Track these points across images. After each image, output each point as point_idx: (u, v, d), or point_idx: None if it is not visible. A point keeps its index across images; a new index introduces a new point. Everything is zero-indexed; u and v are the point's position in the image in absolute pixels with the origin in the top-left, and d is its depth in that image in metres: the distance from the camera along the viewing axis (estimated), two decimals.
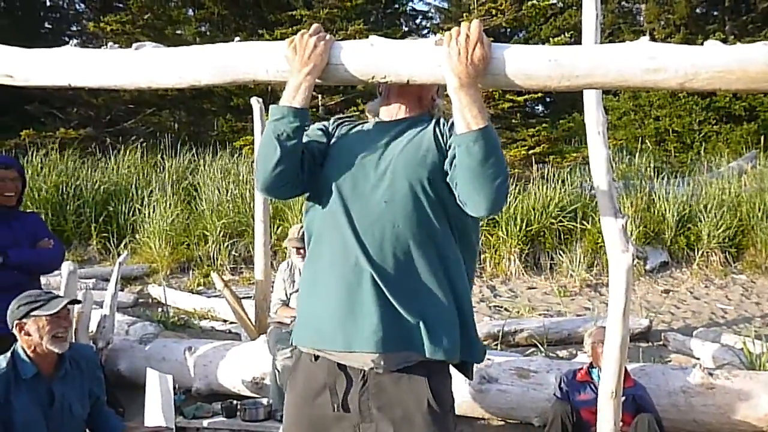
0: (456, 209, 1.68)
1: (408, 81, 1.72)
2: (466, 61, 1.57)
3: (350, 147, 1.78)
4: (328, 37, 1.75)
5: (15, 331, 2.64)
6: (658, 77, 1.53)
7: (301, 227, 4.04)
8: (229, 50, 1.87)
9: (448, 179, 1.67)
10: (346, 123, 1.89)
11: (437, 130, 1.75)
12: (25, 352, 2.64)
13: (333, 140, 1.84)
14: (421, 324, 1.63)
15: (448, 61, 1.60)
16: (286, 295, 4.54)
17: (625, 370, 3.11)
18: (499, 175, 1.58)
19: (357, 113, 11.62)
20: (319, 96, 11.92)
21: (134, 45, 2.01)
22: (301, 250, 4.31)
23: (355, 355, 1.65)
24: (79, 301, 3.31)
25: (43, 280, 3.69)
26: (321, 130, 1.87)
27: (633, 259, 2.81)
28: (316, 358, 1.73)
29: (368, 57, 1.73)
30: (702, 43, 1.55)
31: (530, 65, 1.61)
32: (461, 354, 1.70)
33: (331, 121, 1.92)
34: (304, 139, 1.76)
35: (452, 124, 1.67)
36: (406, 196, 1.66)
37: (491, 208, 1.60)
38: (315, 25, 1.78)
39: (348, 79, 1.77)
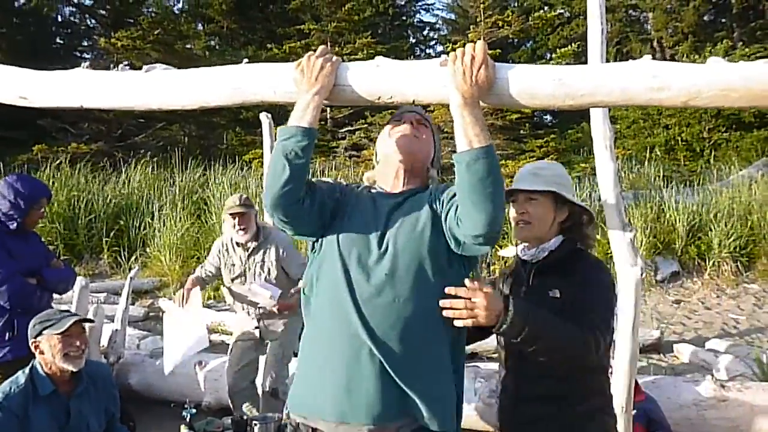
0: (457, 279, 1.68)
1: (414, 101, 1.74)
2: (470, 81, 1.61)
3: (355, 218, 1.78)
4: (334, 58, 1.77)
5: (33, 350, 2.68)
6: (662, 96, 1.54)
7: (241, 196, 3.95)
8: (237, 73, 1.89)
9: (446, 225, 1.69)
10: (354, 189, 1.90)
11: (431, 199, 1.76)
12: (43, 369, 2.67)
13: (342, 204, 1.83)
14: (422, 397, 1.64)
15: (453, 80, 1.63)
16: (206, 273, 4.16)
17: (636, 383, 3.09)
18: (498, 195, 1.60)
19: (364, 126, 11.70)
20: (328, 109, 11.98)
21: (144, 67, 2.04)
22: (237, 218, 3.85)
23: (350, 426, 1.66)
24: (91, 320, 3.33)
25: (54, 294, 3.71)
26: (333, 186, 1.88)
27: (642, 273, 2.81)
28: (314, 430, 1.73)
29: (374, 78, 1.75)
30: (710, 52, 1.55)
31: (535, 85, 1.63)
32: (457, 426, 1.73)
33: (343, 184, 1.93)
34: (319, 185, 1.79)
35: (444, 187, 1.73)
36: (408, 270, 1.67)
37: (490, 225, 1.59)
38: (321, 47, 1.81)
39: (354, 99, 1.80)
